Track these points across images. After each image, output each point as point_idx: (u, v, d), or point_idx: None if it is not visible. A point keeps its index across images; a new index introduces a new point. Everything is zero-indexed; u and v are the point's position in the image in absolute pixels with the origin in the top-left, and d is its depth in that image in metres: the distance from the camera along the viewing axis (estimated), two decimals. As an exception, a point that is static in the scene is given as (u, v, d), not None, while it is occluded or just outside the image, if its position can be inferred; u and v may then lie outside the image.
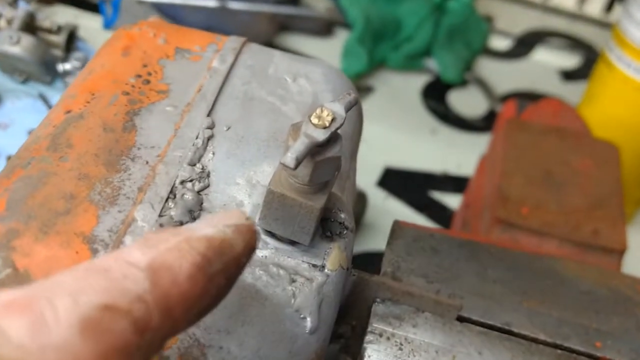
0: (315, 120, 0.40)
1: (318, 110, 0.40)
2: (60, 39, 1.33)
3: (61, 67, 1.32)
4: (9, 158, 1.16)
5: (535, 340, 0.53)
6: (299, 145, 0.39)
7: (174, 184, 0.47)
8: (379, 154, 1.37)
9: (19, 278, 0.41)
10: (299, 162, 0.39)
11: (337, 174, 0.44)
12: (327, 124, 0.40)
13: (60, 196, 0.45)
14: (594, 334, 0.54)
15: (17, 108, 1.27)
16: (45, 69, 1.30)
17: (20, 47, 1.25)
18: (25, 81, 1.32)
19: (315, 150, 0.40)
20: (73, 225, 0.43)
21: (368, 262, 1.13)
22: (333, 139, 0.41)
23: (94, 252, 0.42)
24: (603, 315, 0.55)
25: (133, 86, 0.54)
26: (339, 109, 0.41)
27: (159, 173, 0.47)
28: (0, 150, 1.18)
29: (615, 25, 1.15)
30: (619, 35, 1.13)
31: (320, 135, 0.40)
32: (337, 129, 0.41)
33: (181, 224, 0.45)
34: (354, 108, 0.58)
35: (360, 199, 1.17)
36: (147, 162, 0.48)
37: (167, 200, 0.46)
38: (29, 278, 0.41)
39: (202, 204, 0.47)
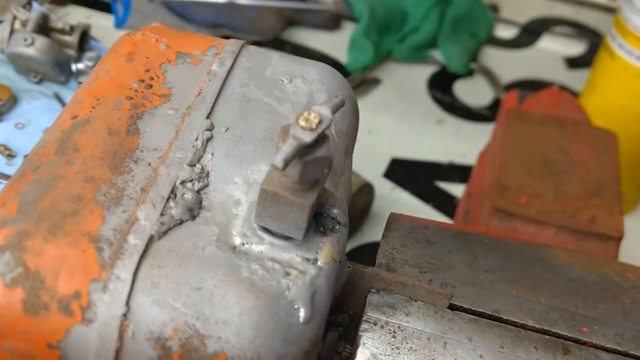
0: (302, 123, 0.43)
1: (305, 113, 0.43)
2: (73, 39, 1.36)
3: (75, 66, 1.35)
4: (26, 157, 1.19)
5: (524, 327, 0.55)
6: (287, 147, 0.42)
7: (175, 184, 0.50)
8: (386, 145, 1.39)
9: (30, 277, 0.44)
10: (287, 163, 0.42)
11: (327, 172, 0.47)
12: (314, 126, 0.43)
13: (68, 198, 0.47)
14: (581, 319, 0.56)
15: (33, 108, 1.30)
16: (59, 69, 1.33)
17: (35, 48, 1.28)
18: (40, 81, 1.35)
19: (304, 151, 0.43)
20: (80, 226, 0.46)
21: (375, 253, 1.15)
22: (321, 140, 0.44)
23: (100, 250, 0.45)
24: (590, 302, 0.57)
25: (136, 91, 0.56)
26: (326, 111, 0.44)
27: (160, 174, 0.50)
28: (18, 149, 1.21)
29: (617, 13, 1.17)
30: (621, 23, 1.14)
31: (307, 137, 0.42)
32: (324, 130, 0.43)
33: (181, 222, 0.48)
34: (349, 105, 0.61)
35: (367, 190, 1.20)
36: (149, 164, 0.51)
37: (168, 199, 0.49)
38: (39, 276, 0.44)
39: (201, 202, 0.49)
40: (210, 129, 0.54)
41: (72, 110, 0.55)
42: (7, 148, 1.20)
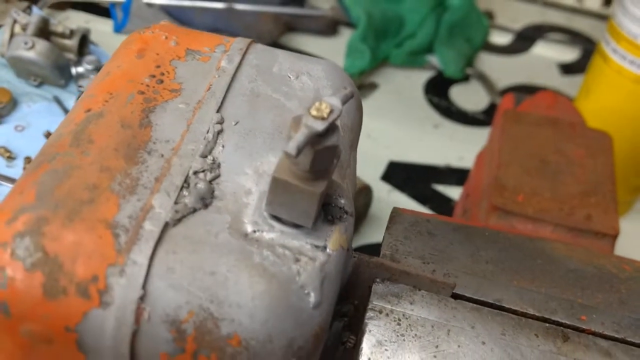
0: (314, 112, 0.44)
1: (317, 104, 0.45)
2: (73, 43, 1.37)
3: (74, 70, 1.36)
4: (26, 159, 1.20)
5: (524, 315, 0.56)
6: (300, 136, 0.43)
7: (188, 175, 0.51)
8: (383, 148, 1.41)
9: (49, 261, 0.45)
10: (299, 151, 0.43)
11: (336, 162, 0.48)
12: (326, 116, 0.44)
13: (84, 187, 0.49)
14: (580, 308, 0.57)
15: (32, 111, 1.31)
16: (59, 72, 1.34)
17: (35, 51, 1.30)
18: (40, 85, 1.36)
19: (315, 139, 0.45)
20: (97, 213, 0.47)
21: (374, 254, 1.16)
22: (331, 129, 0.45)
23: (116, 236, 0.46)
24: (589, 292, 0.59)
25: (148, 86, 0.58)
26: (336, 102, 0.45)
27: (173, 165, 0.52)
28: (18, 151, 1.22)
29: (610, 18, 1.19)
30: (614, 28, 1.16)
31: (319, 126, 0.44)
32: (335, 120, 0.45)
33: (195, 210, 0.49)
34: (353, 102, 0.63)
35: (366, 193, 1.21)
36: (162, 155, 0.52)
37: (181, 189, 0.50)
38: (58, 261, 0.45)
39: (213, 192, 0.51)
40: (221, 122, 0.56)
41: (86, 103, 0.56)
42: (7, 150, 1.21)
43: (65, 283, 0.45)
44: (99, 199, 0.48)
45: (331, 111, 0.45)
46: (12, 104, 1.30)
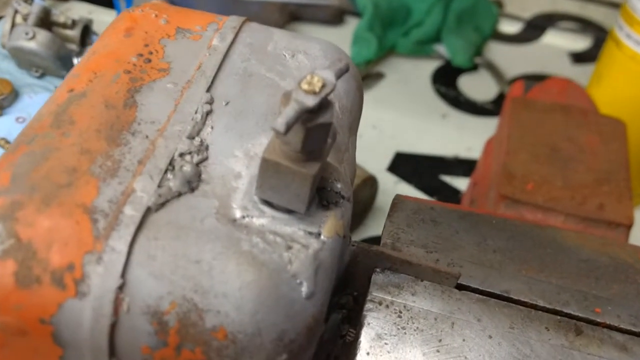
0: (305, 87, 0.41)
1: (308, 77, 0.41)
2: (75, 33, 1.35)
3: (76, 61, 1.34)
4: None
5: (534, 307, 0.53)
6: (289, 111, 0.40)
7: (173, 157, 0.48)
8: (390, 139, 1.37)
9: (22, 248, 0.42)
10: (289, 127, 0.40)
11: (331, 142, 0.45)
12: (317, 90, 0.41)
13: (63, 170, 0.46)
14: (594, 300, 0.54)
15: (34, 102, 1.29)
16: (61, 63, 1.32)
17: (36, 42, 1.27)
18: (41, 76, 1.34)
19: (306, 116, 0.41)
20: (74, 197, 0.44)
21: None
22: (324, 105, 0.42)
23: (94, 222, 0.43)
24: (603, 282, 0.56)
25: (135, 65, 0.55)
26: (330, 75, 0.42)
27: (158, 146, 0.48)
28: (18, 143, 1.20)
29: (624, 3, 1.15)
30: (628, 12, 1.12)
31: (310, 101, 0.40)
32: (327, 94, 0.41)
33: (180, 194, 0.46)
34: (354, 83, 0.60)
35: (371, 183, 1.18)
36: (147, 137, 0.49)
37: (166, 172, 0.47)
38: (31, 248, 0.42)
39: (200, 175, 0.48)
40: (210, 102, 0.53)
41: (69, 84, 0.53)
42: (7, 142, 1.19)
43: (39, 271, 0.42)
44: (78, 183, 0.45)
45: (324, 85, 0.41)
46: (14, 95, 1.28)
